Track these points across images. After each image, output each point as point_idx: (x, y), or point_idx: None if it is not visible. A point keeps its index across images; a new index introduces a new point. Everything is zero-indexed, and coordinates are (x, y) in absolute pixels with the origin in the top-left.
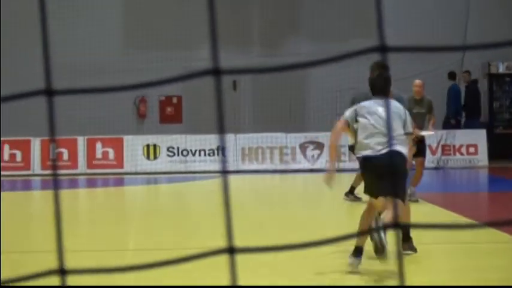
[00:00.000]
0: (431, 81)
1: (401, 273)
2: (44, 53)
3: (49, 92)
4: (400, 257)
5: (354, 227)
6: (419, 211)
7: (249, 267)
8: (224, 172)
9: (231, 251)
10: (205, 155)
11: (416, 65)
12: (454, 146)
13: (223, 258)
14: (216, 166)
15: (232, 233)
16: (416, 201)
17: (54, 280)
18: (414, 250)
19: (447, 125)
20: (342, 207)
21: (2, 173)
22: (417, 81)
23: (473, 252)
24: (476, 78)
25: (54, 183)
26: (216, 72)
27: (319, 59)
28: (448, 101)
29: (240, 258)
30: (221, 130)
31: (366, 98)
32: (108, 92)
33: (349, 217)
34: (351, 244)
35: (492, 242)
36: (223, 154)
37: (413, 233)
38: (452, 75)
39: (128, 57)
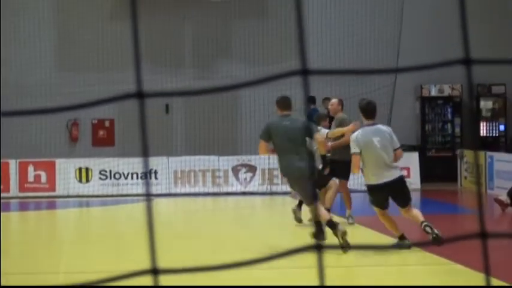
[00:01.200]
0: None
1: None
2: None
3: None
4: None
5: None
6: (352, 234)
7: None
8: (149, 195)
9: (155, 272)
10: (137, 178)
11: (353, 88)
12: None
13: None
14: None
15: (155, 254)
16: (353, 224)
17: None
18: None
19: None
20: (272, 228)
21: None
22: (332, 100)
23: (403, 274)
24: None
25: None
26: (139, 95)
27: (243, 82)
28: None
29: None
30: (145, 153)
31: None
32: (38, 114)
33: (278, 238)
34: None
35: (422, 264)
36: (147, 177)
37: (345, 256)
38: (312, 99)
39: (60, 80)
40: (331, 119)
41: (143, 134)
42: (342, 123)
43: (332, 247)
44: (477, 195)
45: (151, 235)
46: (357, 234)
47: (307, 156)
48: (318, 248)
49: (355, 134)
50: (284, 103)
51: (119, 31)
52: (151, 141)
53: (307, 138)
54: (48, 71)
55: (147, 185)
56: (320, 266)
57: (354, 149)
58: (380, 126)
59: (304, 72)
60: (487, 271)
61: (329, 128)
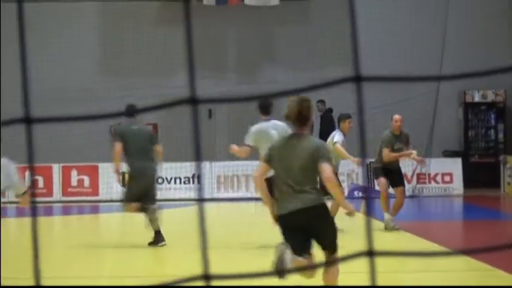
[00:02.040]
0: (409, 110)
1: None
2: (23, 82)
3: (28, 120)
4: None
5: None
6: (396, 239)
7: None
8: (200, 200)
9: (206, 277)
10: (180, 182)
11: (393, 95)
12: (429, 175)
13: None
14: (191, 194)
15: (207, 259)
16: (397, 229)
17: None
18: None
19: None
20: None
21: None
22: (396, 116)
23: (449, 280)
24: (331, 107)
25: (33, 211)
26: (193, 101)
27: (293, 88)
28: None
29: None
30: (198, 158)
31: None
32: (85, 121)
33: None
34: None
35: (467, 270)
36: (199, 182)
37: (391, 261)
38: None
39: (105, 85)
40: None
41: (196, 140)
42: (409, 141)
43: None
44: None
45: (203, 241)
46: (400, 238)
47: None
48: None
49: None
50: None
51: (163, 36)
52: (194, 146)
53: None
54: (92, 76)
55: (200, 190)
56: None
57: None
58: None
59: (358, 79)
60: None
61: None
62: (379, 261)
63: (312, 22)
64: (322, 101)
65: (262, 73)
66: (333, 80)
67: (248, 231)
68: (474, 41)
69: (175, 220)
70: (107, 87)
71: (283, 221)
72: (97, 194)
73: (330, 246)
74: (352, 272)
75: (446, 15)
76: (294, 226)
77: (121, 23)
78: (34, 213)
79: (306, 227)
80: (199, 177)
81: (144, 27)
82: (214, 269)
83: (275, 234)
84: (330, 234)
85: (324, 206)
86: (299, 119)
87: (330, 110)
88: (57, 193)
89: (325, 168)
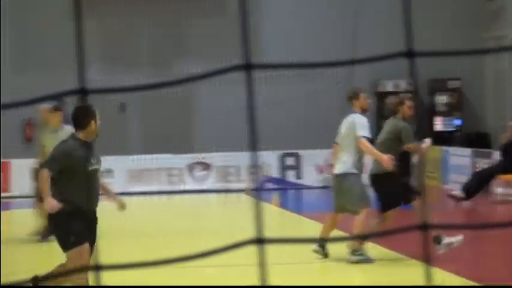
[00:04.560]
0: (322, 100)
1: None
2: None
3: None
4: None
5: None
6: (308, 230)
7: None
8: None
9: (97, 268)
10: None
11: (307, 84)
12: None
13: None
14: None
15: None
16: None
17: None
18: None
19: None
20: (226, 224)
21: None
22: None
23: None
24: None
25: None
26: (83, 92)
27: (185, 77)
28: None
29: None
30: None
31: None
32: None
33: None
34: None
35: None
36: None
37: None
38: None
39: (11, 80)
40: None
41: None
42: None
43: None
44: (418, 188)
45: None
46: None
47: None
48: (260, 242)
49: None
50: None
51: (71, 31)
52: (106, 140)
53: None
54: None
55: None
56: (262, 261)
57: None
58: None
59: (247, 67)
60: (428, 260)
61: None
62: (272, 250)
63: (226, 14)
64: None
65: (175, 67)
66: (220, 69)
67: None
68: (387, 32)
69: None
70: (15, 81)
71: None
72: (7, 190)
73: None
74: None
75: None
76: None
77: (26, 14)
78: None
79: None
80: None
81: (55, 20)
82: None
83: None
84: None
85: None
86: None
87: None
88: None
89: None
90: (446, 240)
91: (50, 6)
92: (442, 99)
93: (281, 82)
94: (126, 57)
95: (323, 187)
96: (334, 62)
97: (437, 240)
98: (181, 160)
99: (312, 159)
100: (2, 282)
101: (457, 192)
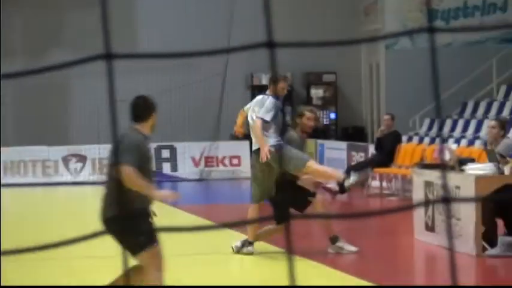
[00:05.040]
0: (198, 91)
1: None
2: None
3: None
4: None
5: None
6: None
7: None
8: None
9: None
10: None
11: (182, 75)
12: (217, 158)
13: None
14: None
15: None
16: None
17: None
18: None
19: None
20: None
21: None
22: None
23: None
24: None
25: None
26: None
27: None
28: None
29: None
30: None
31: None
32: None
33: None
34: None
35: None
36: None
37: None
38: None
39: None
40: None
41: None
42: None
43: None
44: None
45: None
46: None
47: None
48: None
49: None
50: None
51: None
52: None
53: None
54: None
55: None
56: None
57: None
58: None
59: (108, 57)
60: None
61: None
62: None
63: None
64: None
65: (50, 58)
66: (84, 58)
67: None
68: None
69: None
70: None
71: None
72: None
73: None
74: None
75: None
76: None
77: None
78: None
79: None
80: None
81: None
82: None
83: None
84: None
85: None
86: None
87: None
88: None
89: None
90: (340, 244)
91: None
92: (317, 92)
93: (155, 73)
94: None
95: (198, 179)
96: (202, 51)
97: (333, 241)
98: (56, 152)
99: (188, 152)
100: None
101: (332, 185)
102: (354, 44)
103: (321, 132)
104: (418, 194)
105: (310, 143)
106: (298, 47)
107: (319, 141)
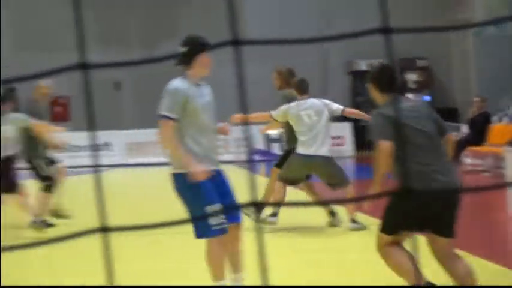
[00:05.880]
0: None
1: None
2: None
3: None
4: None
5: None
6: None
7: None
8: (99, 166)
9: (104, 230)
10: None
11: (284, 63)
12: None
13: None
14: (103, 160)
15: (105, 215)
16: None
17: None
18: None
19: None
20: None
21: None
22: None
23: (332, 233)
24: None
25: None
26: (83, 66)
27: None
28: None
29: None
30: (91, 127)
31: None
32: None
33: None
34: None
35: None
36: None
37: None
38: None
39: (16, 60)
40: None
41: (89, 107)
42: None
43: None
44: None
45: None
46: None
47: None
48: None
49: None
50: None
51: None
52: (103, 116)
53: None
54: (6, 50)
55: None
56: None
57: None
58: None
59: (236, 43)
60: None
61: None
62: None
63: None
64: None
65: (164, 49)
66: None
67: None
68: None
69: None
70: (21, 61)
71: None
72: None
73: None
74: None
75: None
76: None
77: (32, 3)
78: None
79: None
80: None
81: (55, 7)
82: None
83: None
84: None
85: None
86: None
87: None
88: None
89: None
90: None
91: None
92: (412, 77)
93: (260, 61)
94: (117, 40)
95: None
96: (312, 38)
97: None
98: None
99: None
100: None
101: None
102: (459, 29)
103: None
104: (510, 171)
105: None
106: (413, 32)
107: None
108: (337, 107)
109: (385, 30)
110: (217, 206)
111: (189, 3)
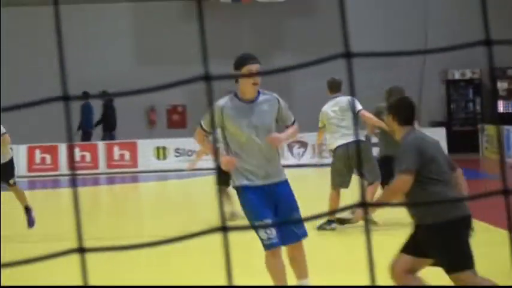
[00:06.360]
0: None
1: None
2: (61, 66)
3: (66, 98)
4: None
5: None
6: None
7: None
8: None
9: (224, 229)
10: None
11: (378, 74)
12: None
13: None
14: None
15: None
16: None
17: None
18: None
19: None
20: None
21: (35, 173)
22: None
23: None
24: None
25: (74, 182)
26: (206, 78)
27: (291, 65)
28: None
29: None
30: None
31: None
32: (118, 96)
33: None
34: None
35: None
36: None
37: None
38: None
39: (138, 73)
40: None
41: (211, 111)
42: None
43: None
44: (500, 161)
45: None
46: None
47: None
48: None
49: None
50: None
51: (186, 30)
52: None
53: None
54: (127, 65)
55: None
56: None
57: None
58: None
59: (347, 56)
60: (510, 228)
61: None
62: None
63: (317, 13)
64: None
65: (273, 60)
66: (320, 58)
67: None
68: (457, 22)
69: (205, 186)
70: (140, 75)
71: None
72: (136, 167)
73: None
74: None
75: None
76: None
77: (151, 18)
78: (76, 184)
79: None
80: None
81: (172, 22)
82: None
83: None
84: None
85: None
86: None
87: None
88: (102, 166)
89: None
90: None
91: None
92: (502, 85)
93: (364, 71)
94: (229, 53)
95: None
96: (416, 51)
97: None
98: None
99: None
100: None
101: None
102: None
103: (507, 120)
104: None
105: (500, 128)
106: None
107: (506, 127)
108: (357, 106)
109: (487, 42)
110: (265, 221)
111: (294, 19)
